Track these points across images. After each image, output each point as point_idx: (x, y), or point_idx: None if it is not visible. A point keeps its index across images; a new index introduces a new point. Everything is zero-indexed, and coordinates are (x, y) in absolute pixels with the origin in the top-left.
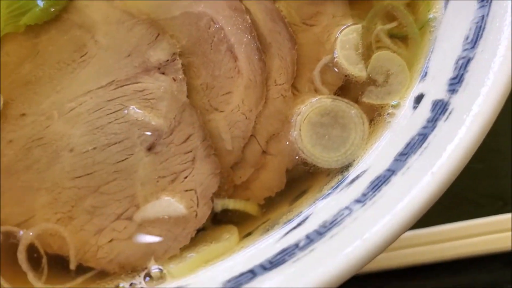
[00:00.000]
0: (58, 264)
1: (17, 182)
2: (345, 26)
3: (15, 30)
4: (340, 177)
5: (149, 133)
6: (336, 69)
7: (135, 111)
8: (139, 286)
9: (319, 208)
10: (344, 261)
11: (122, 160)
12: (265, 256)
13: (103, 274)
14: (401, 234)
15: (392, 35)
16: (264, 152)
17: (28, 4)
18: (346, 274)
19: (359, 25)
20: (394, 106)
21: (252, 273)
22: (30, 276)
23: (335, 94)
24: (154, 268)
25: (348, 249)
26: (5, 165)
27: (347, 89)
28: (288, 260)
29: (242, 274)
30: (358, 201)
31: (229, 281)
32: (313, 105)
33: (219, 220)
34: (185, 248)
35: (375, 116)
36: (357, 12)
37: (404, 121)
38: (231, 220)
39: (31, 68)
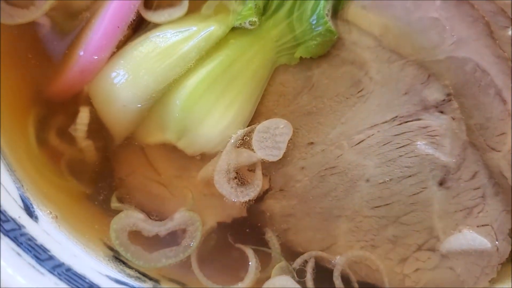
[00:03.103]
0: None
1: (315, 208)
2: None
3: (289, 62)
4: None
5: (438, 168)
6: None
7: (424, 146)
8: None
9: None
10: None
11: (418, 193)
12: None
13: None
14: None
15: None
16: None
17: (302, 37)
18: None
19: None
20: None
21: None
22: None
23: None
24: None
25: None
26: (301, 191)
27: None
28: None
29: None
30: None
31: None
32: None
33: None
34: (493, 281)
35: None
36: None
37: None
38: None
39: (309, 99)
